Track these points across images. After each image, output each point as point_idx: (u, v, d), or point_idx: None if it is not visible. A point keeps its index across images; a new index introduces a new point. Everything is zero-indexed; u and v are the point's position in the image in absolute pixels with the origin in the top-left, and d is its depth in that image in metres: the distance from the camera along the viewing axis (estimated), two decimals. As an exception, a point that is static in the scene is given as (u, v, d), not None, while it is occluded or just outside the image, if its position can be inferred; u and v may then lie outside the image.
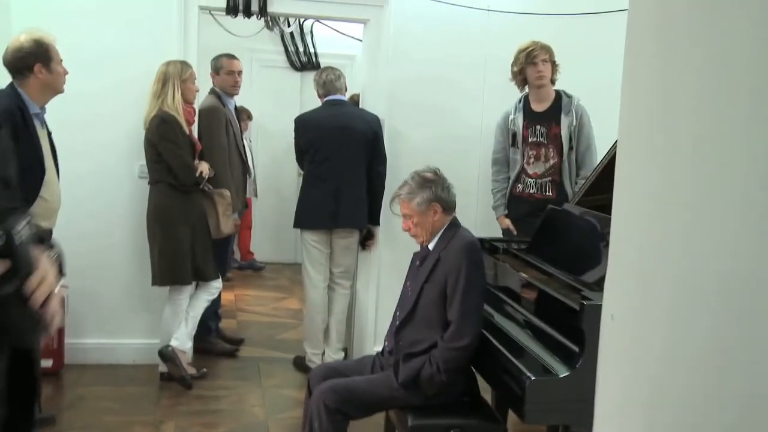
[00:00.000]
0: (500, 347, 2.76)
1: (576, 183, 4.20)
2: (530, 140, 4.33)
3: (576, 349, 2.47)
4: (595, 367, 2.43)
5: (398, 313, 3.08)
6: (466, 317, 2.81)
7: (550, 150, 4.27)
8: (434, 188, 2.96)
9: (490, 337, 2.88)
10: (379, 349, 4.80)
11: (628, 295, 1.04)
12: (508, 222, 4.43)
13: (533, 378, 2.44)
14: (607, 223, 2.94)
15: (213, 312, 4.97)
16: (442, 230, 3.00)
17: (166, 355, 4.28)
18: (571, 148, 4.23)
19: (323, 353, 4.74)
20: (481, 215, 4.74)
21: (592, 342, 2.40)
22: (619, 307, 1.05)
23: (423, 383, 2.85)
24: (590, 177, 3.34)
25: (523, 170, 4.36)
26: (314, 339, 4.73)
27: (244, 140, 7.15)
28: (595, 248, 2.90)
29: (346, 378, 2.97)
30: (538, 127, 4.31)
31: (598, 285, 2.69)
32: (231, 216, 4.60)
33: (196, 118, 4.56)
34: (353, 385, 2.90)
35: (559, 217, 3.31)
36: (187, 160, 4.25)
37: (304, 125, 4.67)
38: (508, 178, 4.49)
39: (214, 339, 5.05)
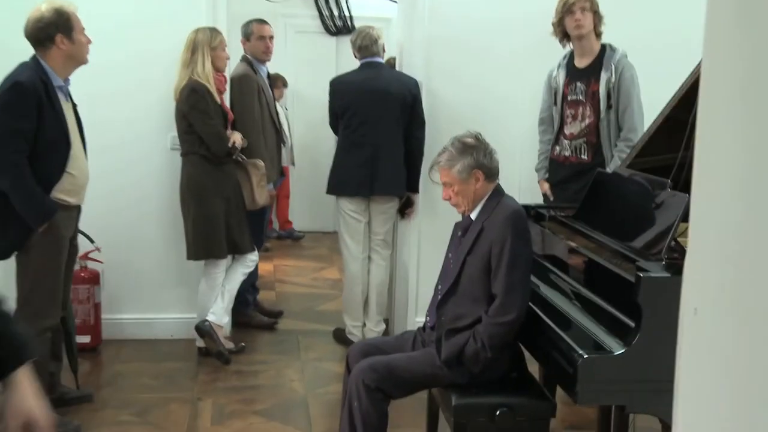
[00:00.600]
0: (549, 321, 2.59)
1: (616, 146, 3.93)
2: (569, 98, 4.06)
3: (631, 324, 2.29)
4: (653, 345, 2.28)
5: (440, 286, 2.93)
6: (512, 290, 2.64)
7: (587, 108, 3.98)
8: (476, 154, 2.78)
9: (538, 311, 2.71)
10: (421, 321, 4.67)
11: (712, 285, 0.86)
12: (546, 187, 4.20)
13: (585, 355, 2.26)
14: (659, 185, 2.80)
15: (250, 285, 4.88)
16: (485, 199, 2.82)
17: (204, 330, 4.19)
18: (610, 106, 3.91)
19: (363, 325, 4.62)
20: (525, 181, 4.52)
21: (650, 317, 2.23)
22: (703, 299, 0.88)
23: (467, 360, 2.70)
24: (642, 137, 3.11)
25: (561, 131, 4.12)
26: (354, 311, 4.61)
27: (280, 108, 7.08)
28: (646, 211, 2.70)
29: (386, 355, 2.83)
30: (578, 83, 4.03)
31: (650, 250, 2.50)
32: (266, 187, 4.47)
33: (228, 87, 4.42)
34: (394, 363, 2.77)
35: (609, 180, 3.11)
36: (219, 130, 4.12)
37: (339, 88, 4.50)
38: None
39: (252, 312, 4.96)
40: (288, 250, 7.40)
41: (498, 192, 2.83)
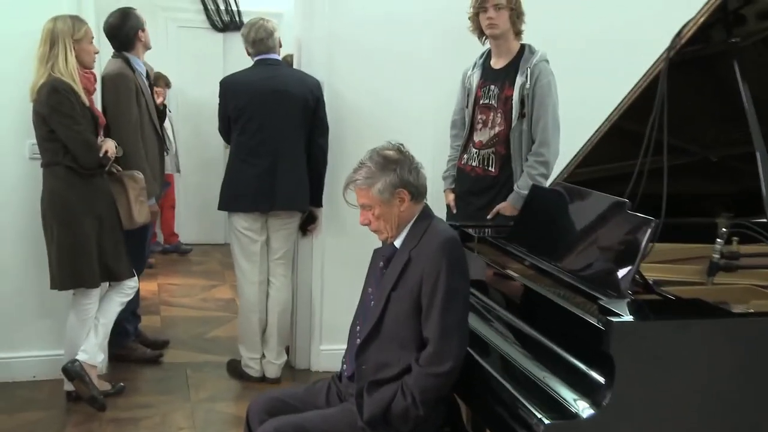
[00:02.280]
0: (492, 371, 2.16)
1: (526, 160, 3.53)
2: (482, 102, 3.67)
3: (599, 378, 1.89)
4: (631, 406, 1.90)
5: (358, 327, 2.46)
6: (447, 334, 2.20)
7: (499, 115, 3.59)
8: (399, 170, 2.33)
9: (477, 357, 2.28)
10: (326, 351, 4.16)
11: None
12: (451, 198, 3.80)
13: (547, 421, 1.84)
14: (615, 206, 2.26)
15: (130, 313, 4.26)
16: (411, 223, 2.38)
17: (72, 371, 3.55)
18: (523, 115, 3.52)
19: (262, 357, 4.09)
20: (432, 190, 4.10)
21: (624, 370, 1.84)
22: None
23: (395, 419, 2.24)
24: (585, 147, 2.74)
25: (470, 137, 3.73)
26: (251, 342, 4.07)
27: (166, 111, 6.42)
28: (598, 235, 2.32)
29: (296, 415, 2.34)
30: (492, 86, 3.63)
31: (607, 282, 2.12)
32: (146, 202, 3.87)
33: (98, 86, 3.79)
34: (306, 425, 2.28)
35: (549, 197, 2.72)
36: (88, 137, 3.50)
37: (232, 89, 3.94)
38: (464, 145, 3.87)
39: (132, 344, 4.33)
40: (174, 266, 6.73)
41: (426, 214, 2.39)
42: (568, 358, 2.01)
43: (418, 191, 2.36)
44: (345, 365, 2.46)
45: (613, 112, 2.61)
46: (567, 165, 2.84)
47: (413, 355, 2.27)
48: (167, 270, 6.49)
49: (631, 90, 2.55)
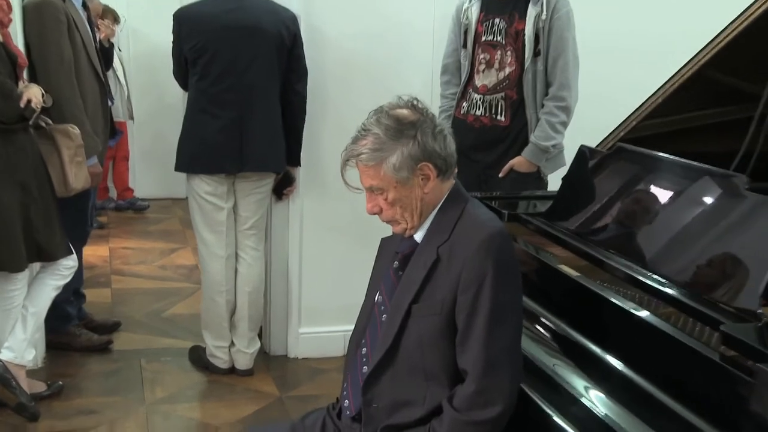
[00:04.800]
0: (565, 425, 1.53)
1: (542, 106, 2.98)
2: (483, 39, 3.05)
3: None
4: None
5: (365, 350, 1.81)
6: (495, 367, 1.57)
7: (508, 53, 3.00)
8: (420, 136, 1.66)
9: (540, 401, 1.64)
10: (306, 333, 3.59)
11: None
12: None
13: None
14: (725, 181, 1.63)
15: (72, 292, 3.57)
16: (438, 207, 1.72)
17: (-4, 373, 2.88)
18: (537, 53, 2.96)
19: (231, 345, 3.45)
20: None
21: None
22: None
23: (419, 480, 1.63)
24: (654, 96, 2.10)
25: (470, 82, 3.10)
26: (217, 327, 3.42)
27: (114, 50, 5.63)
28: (702, 224, 1.70)
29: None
30: (496, 20, 3.02)
31: (728, 298, 1.50)
32: (84, 163, 3.16)
33: (15, 18, 3.02)
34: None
35: (608, 165, 2.07)
36: (3, 83, 2.76)
37: (189, 24, 3.20)
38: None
39: (75, 329, 3.65)
40: (129, 225, 6.01)
41: (458, 196, 1.74)
42: (686, 415, 1.38)
43: (446, 164, 1.70)
44: (346, 401, 1.82)
45: (693, 60, 1.97)
46: (629, 117, 2.19)
47: (444, 391, 1.64)
48: (121, 230, 5.77)
49: (723, 32, 1.92)
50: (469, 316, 1.59)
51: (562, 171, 3.07)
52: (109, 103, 3.57)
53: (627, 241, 1.86)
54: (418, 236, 1.74)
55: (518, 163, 3.05)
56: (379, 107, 1.73)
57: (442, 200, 1.72)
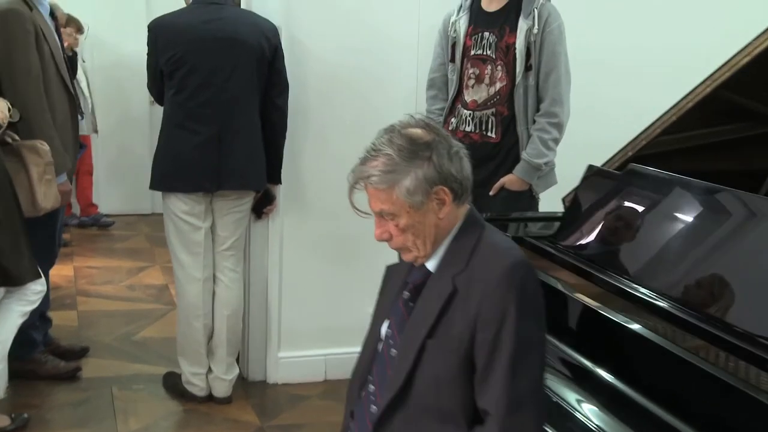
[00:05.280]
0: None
1: (534, 122, 2.91)
2: (472, 53, 2.97)
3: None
4: None
5: (372, 387, 1.68)
6: (519, 408, 1.46)
7: (498, 68, 2.92)
8: (436, 158, 1.55)
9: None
10: (286, 358, 3.53)
11: None
12: None
13: None
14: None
15: (38, 316, 3.37)
16: (453, 234, 1.61)
17: (-42, 408, 2.69)
18: (529, 68, 2.89)
19: (209, 372, 3.29)
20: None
21: None
22: None
23: None
24: (668, 114, 2.02)
25: (459, 97, 3.02)
26: (194, 354, 3.26)
27: (79, 61, 5.43)
28: (734, 253, 1.61)
29: None
30: (486, 34, 2.95)
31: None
32: (54, 181, 2.98)
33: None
34: None
35: (624, 186, 1.98)
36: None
37: (165, 35, 3.05)
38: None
39: (41, 356, 3.45)
40: (94, 243, 5.79)
41: (473, 221, 1.62)
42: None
43: (462, 188, 1.59)
44: (351, 441, 1.69)
45: (708, 80, 1.90)
46: (638, 136, 2.11)
47: (461, 433, 1.53)
48: (85, 249, 5.54)
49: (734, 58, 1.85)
50: (491, 353, 1.48)
51: (554, 189, 3.03)
52: (79, 117, 3.38)
53: (645, 267, 1.76)
54: (431, 265, 1.62)
55: (510, 181, 2.97)
56: (389, 126, 1.61)
57: (457, 226, 1.61)
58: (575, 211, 2.08)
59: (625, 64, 3.51)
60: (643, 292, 1.68)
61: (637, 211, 1.87)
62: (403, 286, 1.69)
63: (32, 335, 3.36)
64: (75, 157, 3.35)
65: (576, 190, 2.12)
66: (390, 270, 1.81)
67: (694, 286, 1.63)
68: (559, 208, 2.60)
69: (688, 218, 1.76)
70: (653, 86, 3.50)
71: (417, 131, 1.58)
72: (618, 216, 1.90)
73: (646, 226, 1.82)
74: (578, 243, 1.97)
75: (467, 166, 1.60)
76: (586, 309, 1.70)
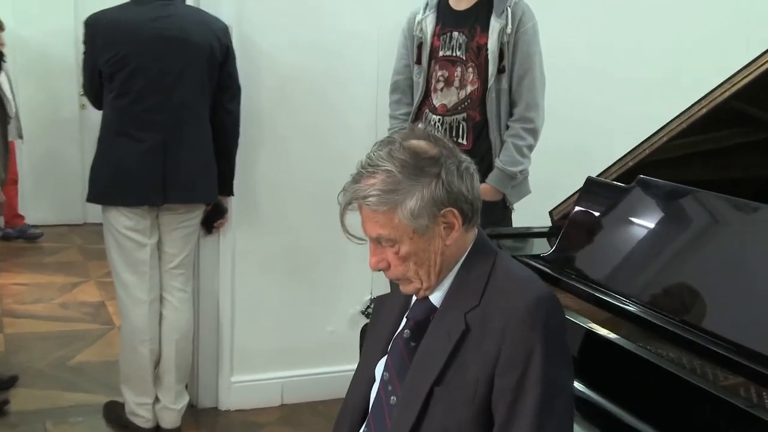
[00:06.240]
0: None
1: (507, 128, 2.75)
2: (440, 54, 2.80)
3: None
4: None
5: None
6: (545, 465, 1.27)
7: (469, 70, 2.76)
8: (445, 174, 1.34)
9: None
10: (240, 382, 3.25)
11: None
12: None
13: None
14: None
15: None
16: (462, 263, 1.40)
17: None
18: (501, 69, 2.73)
19: (156, 401, 3.00)
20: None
21: None
22: None
23: None
24: (675, 122, 1.85)
25: (426, 102, 2.84)
26: (140, 382, 2.97)
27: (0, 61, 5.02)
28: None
29: None
30: (455, 34, 2.77)
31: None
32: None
33: None
34: None
35: (626, 198, 1.81)
36: None
37: (105, 33, 2.76)
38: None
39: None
40: (20, 257, 5.38)
41: (484, 248, 1.42)
42: None
43: (473, 209, 1.39)
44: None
45: (717, 89, 1.75)
46: (639, 146, 1.95)
47: (476, 493, 1.32)
48: (11, 263, 5.14)
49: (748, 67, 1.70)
50: (514, 402, 1.27)
51: (527, 200, 2.86)
52: (8, 120, 3.07)
53: (664, 292, 1.60)
54: (436, 298, 1.41)
55: (483, 190, 2.74)
56: (387, 138, 1.40)
57: (466, 254, 1.40)
58: (574, 227, 1.89)
59: (599, 67, 3.39)
60: (666, 321, 1.51)
61: (652, 227, 1.71)
62: (398, 321, 1.48)
63: (-46, 366, 3.02)
64: (5, 165, 3.02)
65: (574, 203, 1.93)
66: (379, 302, 1.59)
67: (719, 310, 1.47)
68: (531, 220, 2.45)
69: (712, 234, 1.60)
70: (633, 90, 3.41)
71: (421, 144, 1.37)
72: (630, 233, 1.73)
73: (664, 243, 1.66)
74: (584, 264, 1.79)
75: (477, 183, 1.40)
76: (604, 342, 1.52)
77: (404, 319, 1.47)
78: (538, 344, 1.27)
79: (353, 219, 1.39)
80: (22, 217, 5.79)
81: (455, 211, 1.35)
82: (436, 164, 1.34)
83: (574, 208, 1.95)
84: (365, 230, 1.38)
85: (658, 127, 1.93)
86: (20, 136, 5.48)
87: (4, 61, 5.38)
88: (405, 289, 1.43)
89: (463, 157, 1.41)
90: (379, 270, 1.41)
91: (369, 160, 1.36)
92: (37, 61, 5.84)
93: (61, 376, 3.49)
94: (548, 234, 2.18)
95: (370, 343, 1.56)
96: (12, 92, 5.29)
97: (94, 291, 4.63)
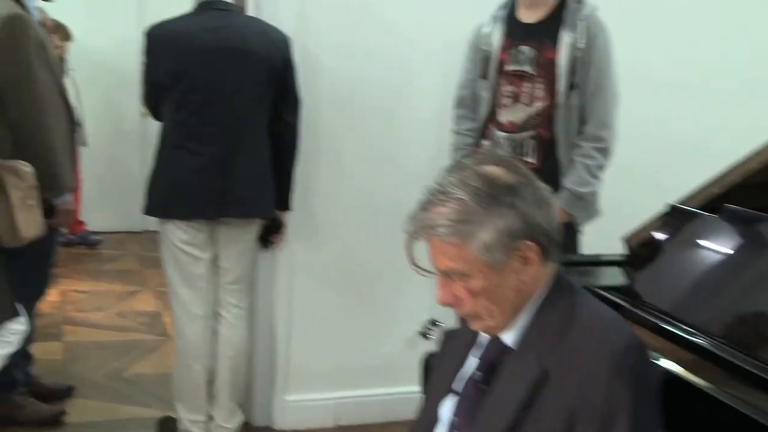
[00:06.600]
0: None
1: (578, 146, 2.62)
2: (508, 68, 2.67)
3: None
4: None
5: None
6: None
7: (538, 86, 2.63)
8: (521, 204, 1.23)
9: None
10: (295, 401, 3.05)
11: None
12: None
13: None
14: None
15: (19, 355, 3.02)
16: (540, 302, 1.29)
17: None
18: (573, 86, 2.59)
19: (209, 419, 2.95)
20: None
21: None
22: None
23: None
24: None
25: (492, 118, 2.72)
26: (193, 399, 2.92)
27: (67, 71, 5.09)
28: None
29: None
30: (523, 47, 2.65)
31: None
32: (36, 207, 2.64)
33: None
34: None
35: (726, 231, 1.67)
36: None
37: (164, 44, 2.72)
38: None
39: (20, 398, 3.10)
40: (81, 263, 5.42)
41: (564, 285, 1.31)
42: None
43: (550, 242, 1.27)
44: None
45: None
46: (728, 171, 1.80)
47: None
48: (72, 270, 5.18)
49: None
50: (595, 457, 1.16)
51: (596, 222, 2.72)
52: (76, 127, 3.09)
53: (758, 334, 1.45)
54: (509, 338, 1.30)
55: None
56: (458, 162, 1.30)
57: (543, 290, 1.29)
58: (654, 257, 1.76)
59: (671, 79, 3.22)
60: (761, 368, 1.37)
61: (742, 260, 1.56)
62: (465, 357, 1.37)
63: (11, 374, 3.01)
64: (74, 172, 3.04)
65: (653, 230, 1.80)
66: (448, 336, 1.48)
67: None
68: (599, 242, 2.30)
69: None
70: (706, 102, 3.23)
71: (496, 170, 1.26)
72: (717, 266, 1.59)
73: (756, 279, 1.51)
74: (666, 298, 1.65)
75: (555, 214, 1.29)
76: (693, 389, 1.38)
77: (471, 358, 1.36)
78: (626, 397, 1.15)
79: (419, 248, 1.30)
80: (83, 224, 5.86)
81: (532, 244, 1.24)
82: (511, 192, 1.23)
83: (653, 236, 1.81)
84: (433, 262, 1.28)
85: (739, 145, 1.79)
86: (84, 144, 5.55)
87: (70, 70, 5.49)
88: (475, 326, 1.32)
89: (540, 184, 1.30)
90: (447, 305, 1.30)
91: (439, 187, 1.26)
92: (101, 72, 5.92)
93: (116, 388, 3.47)
94: (622, 262, 2.03)
95: (436, 380, 1.46)
96: (78, 101, 5.37)
97: (151, 300, 4.62)
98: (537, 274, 1.27)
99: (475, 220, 1.22)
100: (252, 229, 2.92)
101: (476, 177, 1.24)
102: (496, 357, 1.31)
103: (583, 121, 2.64)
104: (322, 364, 3.18)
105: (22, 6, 2.73)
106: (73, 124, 3.01)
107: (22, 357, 3.11)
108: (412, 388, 2.80)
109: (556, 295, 1.28)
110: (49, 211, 2.80)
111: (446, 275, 1.27)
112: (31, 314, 2.87)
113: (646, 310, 1.64)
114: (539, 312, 1.28)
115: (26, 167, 2.60)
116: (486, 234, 1.22)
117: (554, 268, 1.30)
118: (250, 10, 3.00)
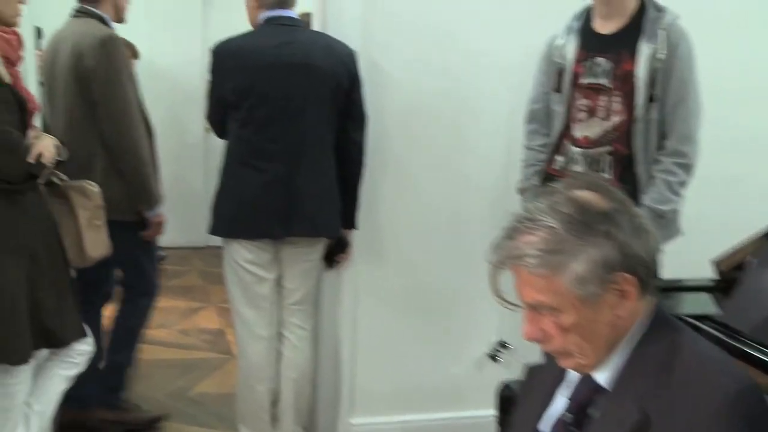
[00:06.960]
0: None
1: (658, 162, 2.48)
2: (583, 81, 2.55)
3: None
4: None
5: None
6: None
7: (615, 99, 2.50)
8: (616, 232, 1.13)
9: None
10: (360, 425, 3.01)
11: None
12: None
13: None
14: None
15: (92, 370, 2.99)
16: (637, 339, 1.18)
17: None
18: (652, 98, 2.45)
19: (272, 441, 2.89)
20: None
21: None
22: None
23: None
24: None
25: (567, 133, 2.60)
26: (256, 420, 2.87)
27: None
28: None
29: None
30: (599, 59, 2.53)
31: None
32: (103, 227, 2.63)
33: (29, 55, 2.54)
34: None
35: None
36: (8, 134, 2.24)
37: (231, 61, 2.69)
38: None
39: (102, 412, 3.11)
40: (145, 279, 5.46)
41: (664, 321, 1.20)
42: None
43: (649, 273, 1.16)
44: None
45: None
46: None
47: None
48: (137, 286, 5.21)
49: None
50: None
51: (677, 241, 2.57)
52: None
53: None
54: (603, 378, 1.19)
55: None
56: (548, 188, 1.21)
57: (641, 327, 1.18)
58: (752, 283, 1.62)
59: (748, 87, 3.05)
60: None
61: None
62: (550, 395, 1.26)
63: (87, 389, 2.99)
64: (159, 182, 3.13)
65: (749, 253, 1.66)
66: (534, 371, 1.38)
67: None
68: (679, 261, 2.15)
69: None
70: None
71: (588, 195, 1.16)
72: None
73: None
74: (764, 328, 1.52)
75: (654, 242, 1.18)
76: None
77: (560, 397, 1.26)
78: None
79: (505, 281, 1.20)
80: (149, 240, 5.91)
81: (630, 277, 1.13)
82: (606, 220, 1.13)
83: (751, 260, 1.67)
84: (520, 295, 1.19)
85: None
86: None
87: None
88: (564, 363, 1.22)
89: (636, 210, 1.19)
90: (534, 341, 1.20)
91: (527, 213, 1.17)
92: (166, 89, 5.99)
93: (180, 408, 3.44)
94: (712, 288, 1.90)
95: (520, 418, 1.36)
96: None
97: (214, 317, 4.61)
98: (634, 308, 1.16)
99: (566, 250, 1.12)
100: (317, 249, 2.87)
101: (568, 203, 1.15)
102: (588, 398, 1.21)
103: (663, 136, 2.51)
104: (387, 387, 3.09)
105: (105, 24, 2.92)
106: (151, 137, 3.07)
107: (95, 374, 3.10)
108: (479, 412, 2.70)
109: (656, 332, 1.17)
110: (141, 224, 2.94)
111: (534, 309, 1.18)
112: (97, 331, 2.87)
113: (748, 343, 1.51)
114: (637, 350, 1.17)
115: (93, 187, 2.59)
116: (579, 265, 1.11)
117: (653, 302, 1.19)
118: (316, 25, 2.95)
